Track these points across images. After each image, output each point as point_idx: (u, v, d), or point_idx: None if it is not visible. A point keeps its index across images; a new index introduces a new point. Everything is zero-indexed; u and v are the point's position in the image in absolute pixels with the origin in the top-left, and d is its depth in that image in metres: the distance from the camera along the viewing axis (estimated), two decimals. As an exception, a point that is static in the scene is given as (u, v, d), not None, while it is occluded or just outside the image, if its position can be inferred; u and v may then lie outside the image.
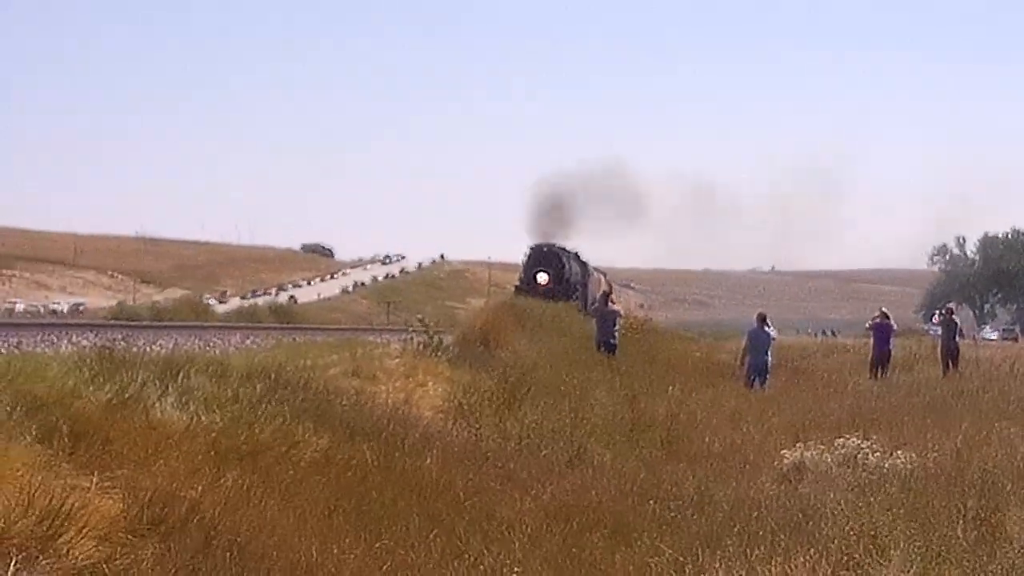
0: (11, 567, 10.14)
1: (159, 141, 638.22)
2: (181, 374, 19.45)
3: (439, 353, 35.84)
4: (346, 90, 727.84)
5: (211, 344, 29.98)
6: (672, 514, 17.48)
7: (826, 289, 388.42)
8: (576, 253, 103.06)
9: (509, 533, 15.38)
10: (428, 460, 19.89)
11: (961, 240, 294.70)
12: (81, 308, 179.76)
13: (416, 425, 23.82)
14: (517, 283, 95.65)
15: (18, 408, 14.37)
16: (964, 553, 14.34)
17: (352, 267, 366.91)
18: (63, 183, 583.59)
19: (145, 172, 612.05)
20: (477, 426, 25.51)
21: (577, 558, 14.39)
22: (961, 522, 16.12)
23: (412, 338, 38.46)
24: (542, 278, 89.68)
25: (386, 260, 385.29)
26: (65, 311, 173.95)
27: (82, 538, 11.46)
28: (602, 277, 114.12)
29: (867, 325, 51.58)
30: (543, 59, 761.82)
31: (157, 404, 17.24)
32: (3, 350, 21.63)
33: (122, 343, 23.62)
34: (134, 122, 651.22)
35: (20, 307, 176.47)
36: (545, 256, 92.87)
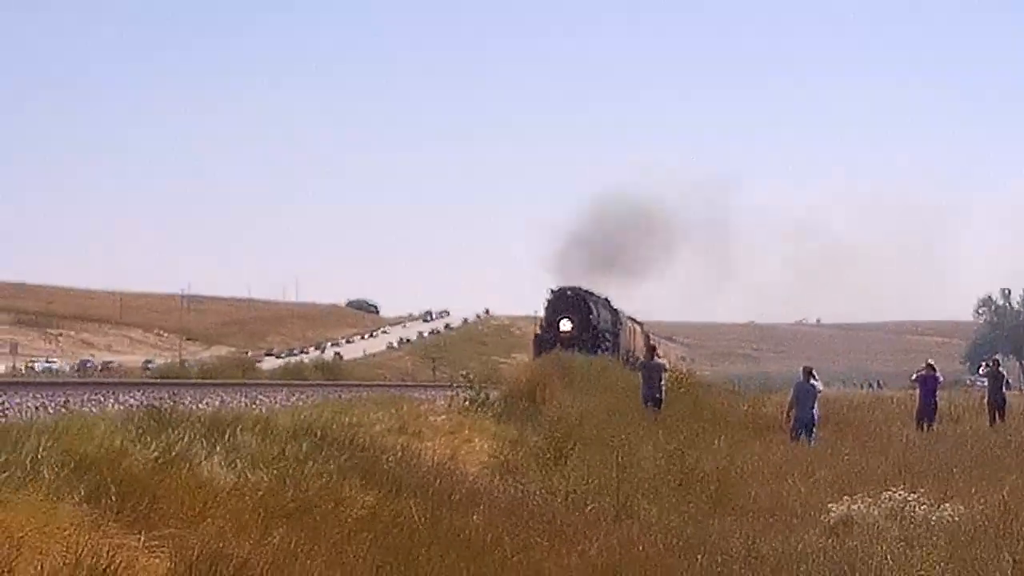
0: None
1: (202, 200, 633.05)
2: (228, 432, 19.48)
3: (485, 409, 35.96)
4: (390, 147, 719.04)
5: (257, 401, 30.01)
6: (719, 568, 17.46)
7: (872, 341, 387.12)
8: (606, 299, 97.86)
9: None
10: (475, 516, 19.86)
11: (1007, 292, 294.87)
12: (112, 365, 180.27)
13: (462, 481, 23.87)
14: (537, 331, 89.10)
15: (66, 468, 14.41)
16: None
17: (397, 323, 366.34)
18: (108, 242, 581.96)
19: (189, 231, 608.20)
20: (523, 481, 25.53)
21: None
22: (1010, 574, 16.07)
23: (458, 394, 38.59)
24: (565, 325, 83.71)
25: (428, 317, 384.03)
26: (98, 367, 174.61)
27: (129, 598, 11.48)
28: (637, 327, 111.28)
29: (912, 377, 51.26)
30: (592, 104, 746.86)
31: (204, 462, 17.27)
32: (51, 409, 21.65)
33: (168, 401, 23.62)
34: (176, 180, 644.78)
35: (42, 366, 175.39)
36: (569, 300, 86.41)
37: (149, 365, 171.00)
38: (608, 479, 26.21)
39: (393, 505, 18.99)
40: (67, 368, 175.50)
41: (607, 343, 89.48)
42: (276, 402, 29.49)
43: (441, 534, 17.78)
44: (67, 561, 11.45)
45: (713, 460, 30.09)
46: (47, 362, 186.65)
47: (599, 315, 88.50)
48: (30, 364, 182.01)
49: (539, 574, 16.31)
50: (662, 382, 47.29)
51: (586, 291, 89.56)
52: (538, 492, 24.13)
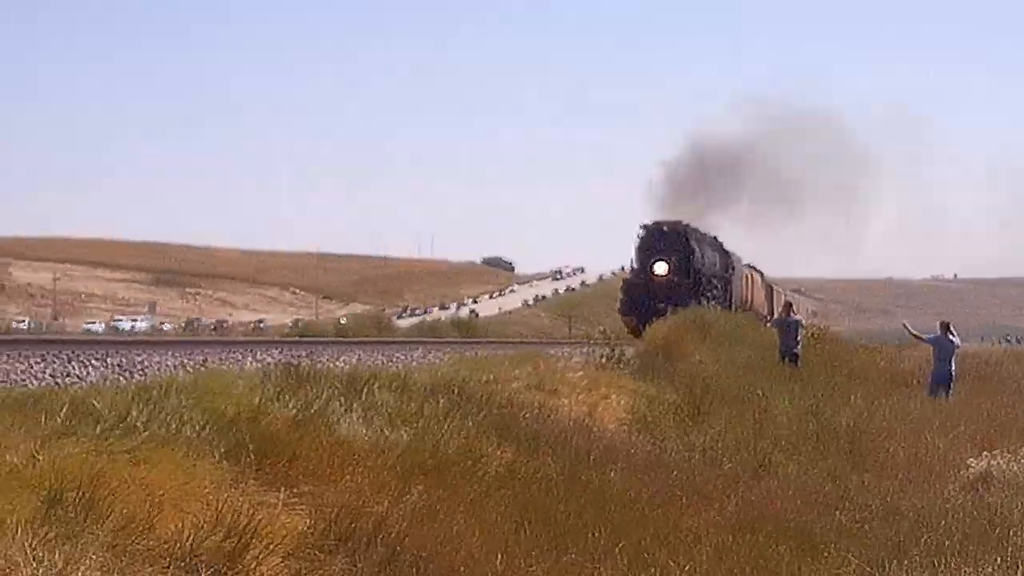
0: (203, 582, 10.24)
1: (335, 158, 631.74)
2: (365, 390, 19.52)
3: (621, 366, 35.79)
4: (523, 110, 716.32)
5: (394, 359, 30.06)
6: (858, 525, 17.41)
7: (1009, 296, 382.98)
8: (714, 237, 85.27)
9: (695, 545, 15.36)
10: (612, 473, 19.87)
11: None
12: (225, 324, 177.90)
13: (600, 438, 23.79)
14: (627, 276, 76.99)
15: (206, 426, 14.50)
16: None
17: (525, 281, 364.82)
18: (240, 201, 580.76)
19: (322, 188, 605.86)
20: (661, 438, 25.50)
21: (764, 569, 14.35)
22: None
23: (594, 351, 38.40)
24: (660, 268, 71.29)
25: (558, 275, 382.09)
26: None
27: (269, 554, 11.56)
28: (757, 276, 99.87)
29: None
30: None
31: (342, 420, 17.32)
32: (189, 368, 21.79)
33: (306, 360, 23.70)
34: (308, 139, 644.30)
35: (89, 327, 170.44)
36: (666, 238, 73.11)
37: (260, 324, 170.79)
38: (746, 435, 26.17)
39: (531, 462, 19.01)
40: (168, 328, 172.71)
41: (715, 291, 78.35)
42: (413, 360, 29.54)
43: (579, 491, 17.80)
44: (208, 518, 11.52)
45: (850, 416, 29.96)
46: (131, 320, 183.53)
47: (704, 256, 76.52)
48: (113, 322, 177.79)
49: (677, 530, 16.29)
50: (799, 338, 47.20)
51: (687, 226, 76.46)
52: (675, 448, 24.11)
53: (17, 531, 9.68)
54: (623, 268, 76.60)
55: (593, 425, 25.62)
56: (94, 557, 9.91)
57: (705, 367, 38.51)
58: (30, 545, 9.54)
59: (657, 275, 70.59)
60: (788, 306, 54.10)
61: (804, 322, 52.41)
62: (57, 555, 9.54)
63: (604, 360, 36.09)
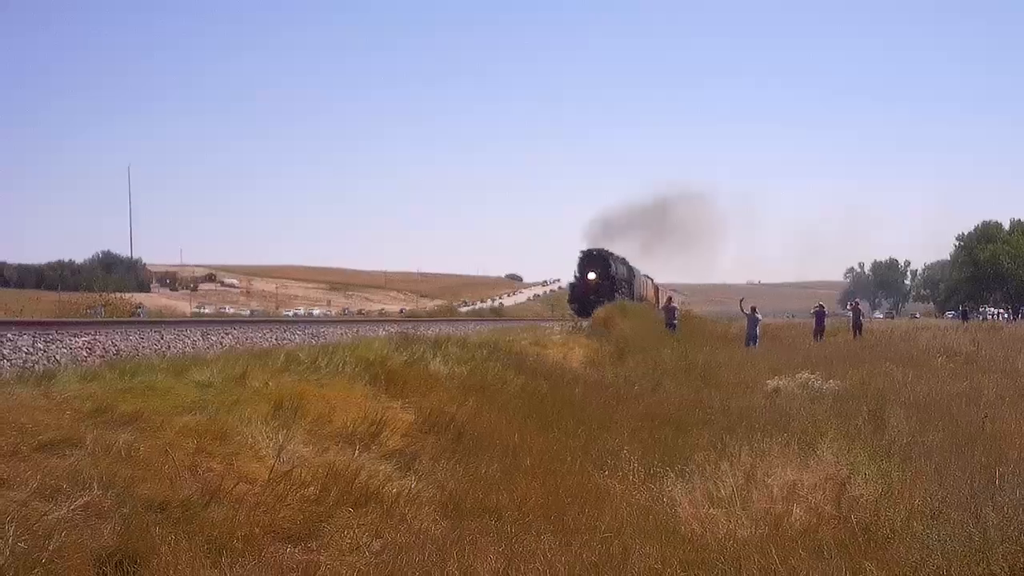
0: (356, 450, 10.30)
1: (435, 198, 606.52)
2: (443, 346, 19.72)
3: (580, 332, 36.17)
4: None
5: (459, 329, 30.10)
6: (708, 416, 17.44)
7: (792, 294, 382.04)
8: (623, 258, 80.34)
9: (620, 428, 15.41)
10: (577, 389, 20.00)
11: (861, 264, 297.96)
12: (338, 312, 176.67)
13: (569, 370, 24.06)
14: (572, 280, 72.16)
15: (358, 366, 14.61)
16: (865, 435, 14.24)
17: (533, 285, 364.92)
18: (373, 237, 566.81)
19: (422, 223, 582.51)
20: (602, 370, 25.64)
21: (658, 441, 14.39)
22: (863, 418, 15.99)
23: (565, 324, 39.12)
24: (591, 276, 68.23)
25: (546, 283, 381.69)
26: (332, 314, 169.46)
27: (392, 434, 11.62)
28: (650, 281, 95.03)
29: (812, 311, 50.92)
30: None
31: (431, 362, 17.45)
32: (349, 335, 21.90)
33: (411, 330, 23.88)
34: (421, 180, 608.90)
35: (292, 313, 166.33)
36: (594, 258, 70.90)
37: (383, 311, 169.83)
38: (647, 369, 26.30)
39: (533, 384, 19.11)
40: (332, 313, 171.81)
41: (624, 289, 74.64)
42: (469, 330, 29.62)
43: (559, 399, 17.86)
44: (359, 415, 11.61)
45: (703, 358, 30.07)
46: (315, 309, 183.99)
47: (617, 269, 72.92)
48: (306, 311, 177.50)
49: (611, 420, 16.32)
50: (676, 316, 47.49)
51: (607, 251, 74.22)
52: (610, 376, 24.20)
53: (258, 423, 9.75)
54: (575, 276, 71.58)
55: (566, 364, 25.85)
56: (299, 437, 9.98)
57: (625, 332, 38.69)
58: (265, 431, 9.61)
59: (589, 280, 67.95)
60: (670, 299, 54.95)
61: (679, 307, 52.53)
62: (279, 435, 9.61)
63: (571, 329, 36.53)
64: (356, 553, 7.45)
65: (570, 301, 70.56)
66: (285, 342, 18.94)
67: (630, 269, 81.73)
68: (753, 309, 43.16)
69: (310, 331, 22.54)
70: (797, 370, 25.47)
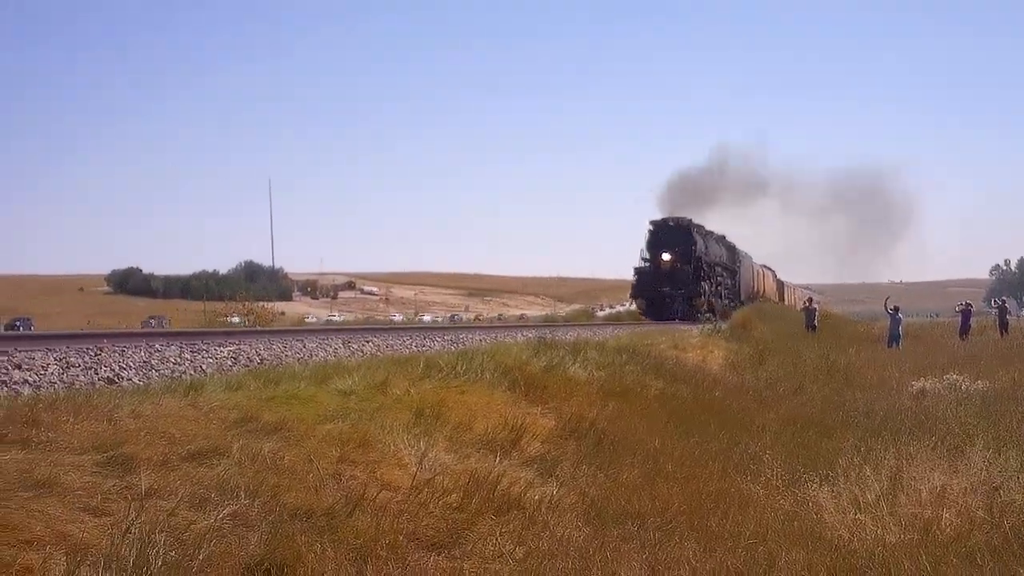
0: (497, 457, 10.30)
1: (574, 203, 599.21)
2: (582, 351, 19.68)
3: (719, 335, 35.97)
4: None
5: (596, 333, 30.02)
6: (852, 419, 17.18)
7: (934, 292, 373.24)
8: (721, 235, 62.80)
9: (762, 432, 15.26)
10: (716, 392, 19.94)
11: (1007, 261, 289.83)
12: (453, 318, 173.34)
13: (709, 373, 23.96)
14: (638, 264, 54.26)
15: (497, 371, 14.64)
16: (1018, 438, 13.86)
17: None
18: (511, 244, 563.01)
19: (561, 228, 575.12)
20: (742, 373, 25.45)
21: (801, 445, 14.19)
22: (1015, 420, 15.57)
23: (704, 327, 38.87)
24: (665, 256, 52.23)
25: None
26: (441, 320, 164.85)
27: (533, 440, 11.61)
28: (768, 272, 79.04)
29: (957, 309, 49.90)
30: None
31: (570, 367, 17.44)
32: (487, 340, 21.97)
33: (549, 334, 23.90)
34: (550, 189, 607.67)
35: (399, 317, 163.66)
36: (671, 231, 53.14)
37: (522, 316, 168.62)
38: (788, 372, 26.04)
39: (672, 388, 19.07)
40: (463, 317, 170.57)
41: (719, 277, 58.59)
42: (607, 334, 29.54)
43: (699, 403, 17.79)
44: (499, 421, 11.63)
45: (845, 359, 29.69)
46: (454, 314, 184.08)
47: (707, 248, 56.05)
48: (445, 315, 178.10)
49: (752, 424, 16.17)
50: (815, 318, 46.78)
51: (691, 222, 55.30)
52: (750, 379, 24.03)
53: (400, 431, 9.81)
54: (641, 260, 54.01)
55: (705, 367, 25.72)
56: (440, 444, 10.02)
57: (764, 334, 38.42)
58: (407, 438, 9.66)
59: (663, 262, 52.08)
60: (810, 300, 54.21)
61: (818, 307, 51.74)
62: (421, 443, 9.65)
63: (709, 332, 36.30)
64: (499, 561, 7.44)
65: (634, 295, 54.93)
66: (425, 349, 19.05)
67: (732, 252, 64.85)
68: (896, 309, 42.36)
69: (449, 337, 22.64)
70: (943, 371, 24.95)
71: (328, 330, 23.52)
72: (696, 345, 30.85)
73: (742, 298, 64.31)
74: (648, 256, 53.81)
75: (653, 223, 54.42)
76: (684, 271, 52.02)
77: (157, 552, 5.65)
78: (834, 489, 11.21)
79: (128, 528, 5.84)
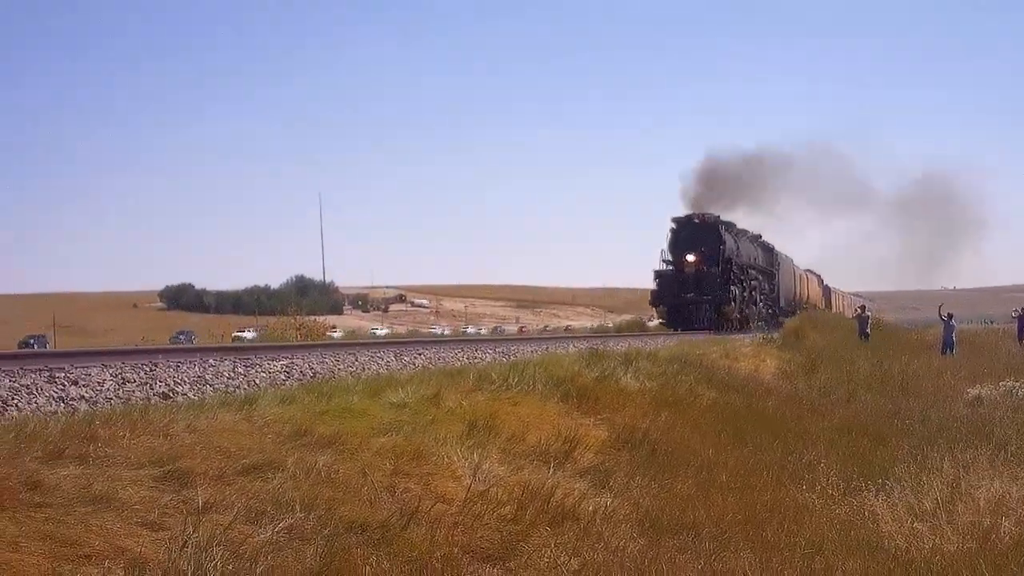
0: (551, 468, 10.29)
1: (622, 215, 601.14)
2: (633, 360, 19.66)
3: (771, 344, 35.84)
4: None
5: (648, 343, 29.94)
6: (907, 427, 17.07)
7: (985, 300, 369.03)
8: (757, 235, 57.30)
9: (816, 440, 15.19)
10: (770, 402, 19.86)
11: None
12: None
13: (761, 383, 23.88)
14: (658, 267, 48.57)
15: (549, 383, 14.65)
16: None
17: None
18: (563, 256, 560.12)
19: (609, 237, 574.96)
20: (795, 382, 25.33)
21: (855, 454, 14.13)
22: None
23: (756, 335, 38.79)
24: (690, 258, 46.80)
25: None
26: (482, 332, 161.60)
27: (586, 451, 11.61)
28: (813, 277, 74.30)
29: (1013, 315, 49.33)
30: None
31: (622, 377, 17.43)
32: (538, 352, 21.95)
33: (600, 345, 23.91)
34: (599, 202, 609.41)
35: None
36: (696, 229, 47.56)
37: (569, 327, 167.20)
38: (841, 379, 25.89)
39: (724, 397, 19.03)
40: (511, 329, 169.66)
41: (753, 282, 52.96)
42: (658, 344, 29.46)
43: (751, 412, 17.73)
44: (552, 433, 11.64)
45: (899, 366, 29.48)
46: (498, 325, 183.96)
47: (738, 248, 50.33)
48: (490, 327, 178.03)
49: (806, 433, 16.07)
50: (868, 325, 46.37)
51: (719, 218, 49.58)
52: (803, 388, 23.92)
53: (453, 443, 9.82)
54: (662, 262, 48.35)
55: (757, 376, 25.63)
56: (494, 456, 10.02)
57: (816, 342, 38.24)
58: (460, 450, 9.67)
59: (687, 263, 46.82)
60: (863, 307, 53.54)
61: (871, 315, 51.25)
62: (474, 455, 9.66)
63: (761, 341, 36.20)
64: (554, 572, 7.43)
65: (654, 302, 49.49)
66: (476, 361, 19.06)
67: (770, 253, 59.69)
68: (949, 315, 41.97)
69: (500, 349, 22.64)
70: (999, 377, 24.72)
71: (380, 343, 23.57)
72: (748, 354, 30.76)
73: (781, 304, 60.55)
74: (670, 258, 48.45)
75: (675, 220, 49.05)
76: (711, 274, 46.97)
77: (214, 566, 5.69)
78: (890, 498, 11.14)
79: (185, 542, 5.88)
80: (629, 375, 17.91)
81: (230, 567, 5.76)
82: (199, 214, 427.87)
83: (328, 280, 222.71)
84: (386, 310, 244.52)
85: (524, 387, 14.06)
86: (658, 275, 48.68)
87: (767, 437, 15.07)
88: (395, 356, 18.78)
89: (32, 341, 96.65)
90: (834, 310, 78.42)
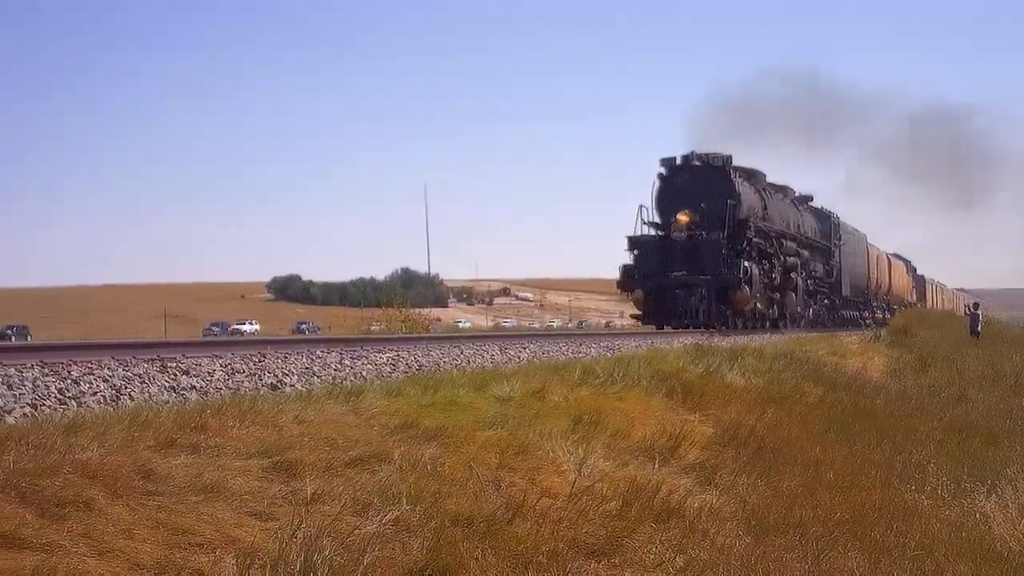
0: (656, 464, 10.25)
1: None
2: (739, 357, 19.62)
3: (879, 341, 35.52)
4: None
5: (753, 339, 29.75)
6: (1020, 427, 16.83)
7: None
8: (805, 197, 44.84)
9: (926, 440, 15.00)
10: (877, 400, 19.65)
11: None
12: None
13: (869, 381, 23.70)
14: (635, 233, 34.16)
15: (654, 378, 14.63)
16: None
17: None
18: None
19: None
20: (903, 381, 25.05)
21: (966, 454, 13.92)
22: None
23: (864, 333, 38.44)
24: (682, 218, 32.88)
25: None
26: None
27: (691, 447, 11.55)
28: (900, 264, 62.24)
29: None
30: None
31: (727, 373, 17.37)
32: (643, 345, 21.89)
33: (705, 341, 23.86)
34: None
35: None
36: (693, 176, 33.51)
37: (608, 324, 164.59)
38: (951, 378, 25.54)
39: (831, 395, 18.88)
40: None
41: (790, 258, 38.55)
42: (764, 340, 29.24)
43: (859, 411, 17.59)
44: (658, 429, 11.61)
45: (1011, 365, 28.97)
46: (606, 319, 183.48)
47: (765, 207, 36.61)
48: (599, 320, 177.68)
49: (915, 432, 15.87)
50: (979, 324, 45.56)
51: (730, 162, 34.48)
52: (912, 386, 23.62)
53: (558, 437, 9.82)
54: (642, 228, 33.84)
55: (865, 374, 25.41)
56: (598, 451, 10.00)
57: (926, 340, 37.68)
58: (565, 445, 9.66)
59: (677, 223, 32.73)
60: (976, 304, 52.51)
61: (982, 312, 50.32)
62: (579, 449, 9.65)
63: (869, 338, 35.86)
64: (660, 569, 7.39)
65: (624, 284, 34.98)
66: (580, 355, 19.05)
67: (825, 222, 45.81)
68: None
69: (605, 344, 22.61)
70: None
71: (485, 336, 23.66)
72: (856, 351, 30.58)
73: (846, 294, 48.47)
74: (656, 219, 34.18)
75: (665, 163, 34.49)
76: (712, 242, 32.32)
77: (323, 557, 5.73)
78: (1002, 500, 10.95)
79: (294, 532, 5.93)
80: (735, 371, 17.86)
81: (338, 558, 5.79)
82: (307, 206, 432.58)
83: (433, 273, 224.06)
84: (490, 303, 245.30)
85: (629, 382, 14.05)
86: (633, 244, 34.06)
87: (875, 436, 14.91)
88: (500, 350, 18.84)
89: (10, 331, 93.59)
90: (928, 305, 71.76)
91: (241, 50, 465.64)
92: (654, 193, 34.35)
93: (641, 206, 33.93)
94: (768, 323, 38.26)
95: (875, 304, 55.35)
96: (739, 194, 34.12)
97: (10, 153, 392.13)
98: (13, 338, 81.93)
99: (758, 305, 36.14)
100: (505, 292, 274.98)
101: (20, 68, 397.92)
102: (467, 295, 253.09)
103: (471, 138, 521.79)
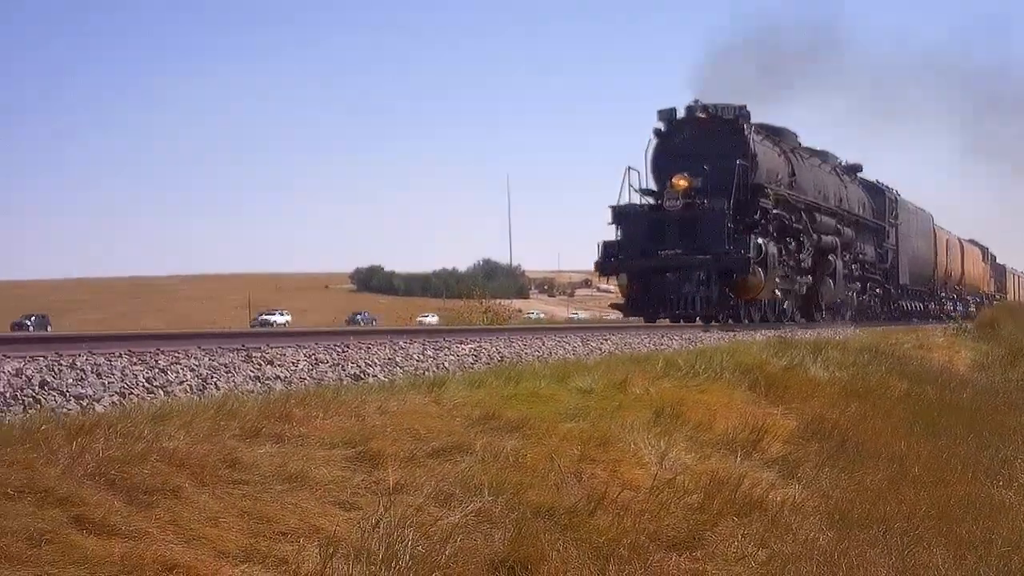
0: (738, 457, 10.19)
1: None
2: (823, 350, 19.50)
3: (965, 334, 35.20)
4: None
5: (837, 332, 29.43)
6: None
7: None
8: (853, 165, 39.15)
9: (1014, 435, 14.79)
10: (964, 394, 19.36)
11: None
12: None
13: (956, 374, 23.40)
14: (619, 203, 27.68)
15: (736, 371, 14.57)
16: None
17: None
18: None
19: None
20: (991, 375, 24.71)
21: (1056, 450, 13.74)
22: None
23: (949, 326, 38.07)
24: (679, 183, 26.47)
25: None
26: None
27: (774, 441, 11.47)
28: (977, 251, 55.77)
29: None
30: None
31: (811, 367, 17.25)
32: (726, 337, 21.76)
33: (788, 334, 23.74)
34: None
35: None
36: (698, 134, 27.57)
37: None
38: (1042, 373, 25.24)
39: (917, 389, 18.63)
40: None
41: (828, 237, 33.10)
42: (848, 333, 28.93)
43: (945, 405, 17.30)
44: (740, 422, 11.56)
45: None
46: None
47: (792, 172, 30.76)
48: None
49: (1003, 427, 15.65)
50: (1075, 315, 44.27)
51: (742, 112, 27.84)
52: (1000, 381, 23.29)
53: (639, 430, 9.80)
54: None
55: (951, 368, 25.12)
56: (680, 444, 9.96)
57: (1015, 333, 37.13)
58: (647, 437, 9.65)
59: (673, 188, 26.80)
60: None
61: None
62: (661, 442, 9.63)
63: (955, 331, 35.53)
64: (742, 563, 7.35)
65: (603, 268, 28.83)
66: (662, 347, 18.98)
67: (878, 196, 39.92)
68: None
69: (687, 336, 22.48)
70: None
71: (567, 328, 23.64)
72: (942, 345, 30.25)
73: (903, 282, 41.98)
74: (652, 185, 28.35)
75: (663, 116, 28.51)
76: (714, 213, 26.52)
77: (405, 546, 5.77)
78: (1093, 497, 10.78)
79: (377, 522, 5.98)
80: (818, 364, 17.73)
81: (420, 548, 5.83)
82: (390, 197, 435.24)
83: (515, 264, 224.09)
84: (572, 295, 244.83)
85: (711, 375, 13.99)
86: (618, 215, 28.11)
87: (961, 430, 14.71)
88: (582, 341, 18.82)
89: (28, 321, 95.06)
90: (1009, 298, 65.81)
91: (342, 41, 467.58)
92: (648, 153, 28.34)
93: (629, 168, 27.81)
94: (794, 315, 32.00)
95: (943, 295, 49.90)
96: (754, 154, 28.02)
97: (104, 154, 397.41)
98: (32, 328, 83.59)
99: (777, 292, 29.93)
100: (587, 284, 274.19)
101: (111, 56, 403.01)
102: (548, 286, 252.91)
103: (555, 130, 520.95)
